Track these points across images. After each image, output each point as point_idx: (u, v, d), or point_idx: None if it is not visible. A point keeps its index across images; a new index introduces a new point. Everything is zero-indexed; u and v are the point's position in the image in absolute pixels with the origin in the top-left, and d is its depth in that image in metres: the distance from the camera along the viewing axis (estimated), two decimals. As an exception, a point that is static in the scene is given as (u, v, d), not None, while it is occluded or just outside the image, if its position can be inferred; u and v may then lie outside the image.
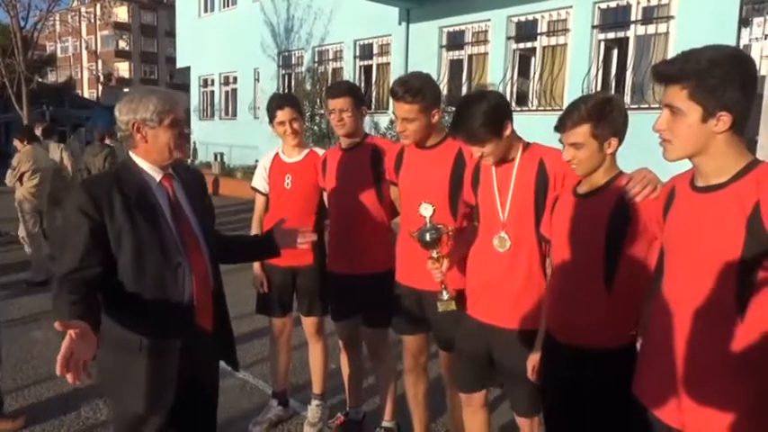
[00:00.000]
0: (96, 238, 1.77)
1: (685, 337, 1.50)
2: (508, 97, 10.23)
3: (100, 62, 53.90)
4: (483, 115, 2.10)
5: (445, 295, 2.34)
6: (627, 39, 9.12)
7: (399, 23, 11.98)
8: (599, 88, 9.38)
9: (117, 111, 1.88)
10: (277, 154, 3.25)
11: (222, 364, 2.17)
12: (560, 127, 1.92)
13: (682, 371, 1.51)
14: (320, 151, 3.20)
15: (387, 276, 2.77)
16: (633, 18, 8.97)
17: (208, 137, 18.66)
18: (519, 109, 10.28)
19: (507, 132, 2.17)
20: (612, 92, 9.26)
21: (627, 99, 9.05)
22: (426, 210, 2.31)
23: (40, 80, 25.63)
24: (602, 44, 9.41)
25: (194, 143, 17.99)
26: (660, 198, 1.70)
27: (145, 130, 1.86)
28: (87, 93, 51.73)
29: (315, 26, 14.04)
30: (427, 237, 2.31)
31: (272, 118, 3.11)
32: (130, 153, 1.93)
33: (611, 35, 9.39)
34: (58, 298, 1.68)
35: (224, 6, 18.59)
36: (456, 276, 2.42)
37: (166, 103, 1.87)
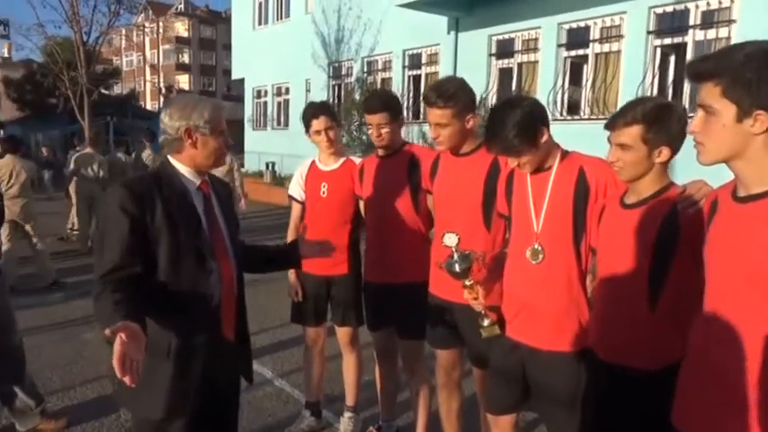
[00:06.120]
0: (136, 236, 1.73)
1: (727, 361, 1.36)
2: (559, 106, 10.02)
3: (161, 75, 56.09)
4: (516, 125, 1.99)
5: (486, 322, 2.22)
6: (685, 44, 8.74)
7: (448, 32, 11.91)
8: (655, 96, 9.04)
9: (167, 115, 1.87)
10: (313, 162, 3.25)
11: (255, 371, 2.14)
12: (611, 125, 1.82)
13: (724, 399, 1.37)
14: (357, 160, 3.18)
15: (423, 286, 2.70)
16: (692, 23, 8.60)
17: (260, 146, 19.07)
18: (570, 118, 10.02)
19: (543, 140, 2.06)
20: (669, 100, 8.91)
21: (685, 107, 8.67)
22: (450, 239, 2.20)
23: (104, 92, 26.85)
24: (659, 50, 9.05)
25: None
26: (702, 210, 1.58)
27: (196, 136, 1.86)
28: (150, 104, 53.87)
29: (364, 37, 14.13)
30: (456, 268, 2.16)
31: (307, 127, 3.12)
32: (170, 157, 1.93)
33: (667, 41, 9.03)
34: (100, 299, 1.60)
35: (277, 19, 19.00)
36: (493, 294, 2.29)
37: (218, 112, 1.91)
